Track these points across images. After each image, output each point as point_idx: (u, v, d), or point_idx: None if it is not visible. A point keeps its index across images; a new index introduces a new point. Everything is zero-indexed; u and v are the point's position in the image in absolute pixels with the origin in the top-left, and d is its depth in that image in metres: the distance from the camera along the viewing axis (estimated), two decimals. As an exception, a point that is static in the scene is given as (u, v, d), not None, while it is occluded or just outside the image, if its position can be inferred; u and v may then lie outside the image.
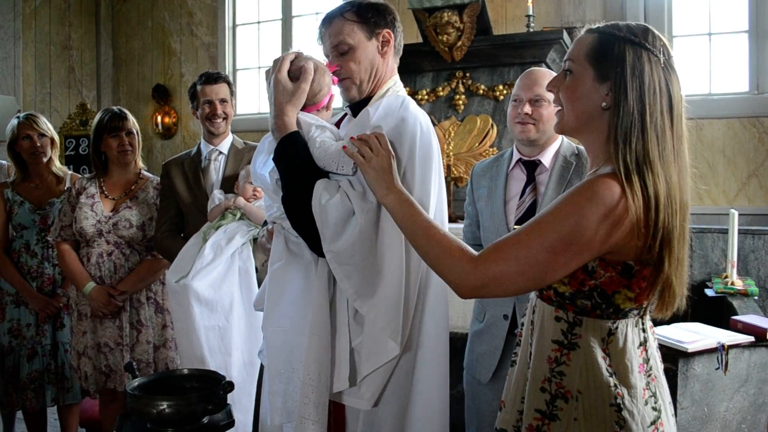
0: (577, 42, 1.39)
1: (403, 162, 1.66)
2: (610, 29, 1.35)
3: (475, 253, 1.35)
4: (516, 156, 2.22)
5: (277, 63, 1.71)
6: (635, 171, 1.25)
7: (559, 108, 1.40)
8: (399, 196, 1.49)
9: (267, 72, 1.75)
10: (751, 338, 2.42)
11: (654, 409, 1.34)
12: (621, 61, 1.29)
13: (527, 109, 2.11)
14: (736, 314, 2.72)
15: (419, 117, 1.73)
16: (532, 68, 2.22)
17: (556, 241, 1.25)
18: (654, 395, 1.35)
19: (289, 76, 1.70)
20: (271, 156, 1.71)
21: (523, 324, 1.49)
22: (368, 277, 1.61)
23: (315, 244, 1.64)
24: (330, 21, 1.80)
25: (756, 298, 3.11)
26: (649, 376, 1.36)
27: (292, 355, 1.69)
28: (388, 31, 1.83)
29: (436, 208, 1.76)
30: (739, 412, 2.40)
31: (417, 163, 1.68)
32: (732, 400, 2.34)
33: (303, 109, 1.74)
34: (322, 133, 1.68)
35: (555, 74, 2.18)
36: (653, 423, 1.32)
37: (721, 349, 2.32)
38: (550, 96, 2.08)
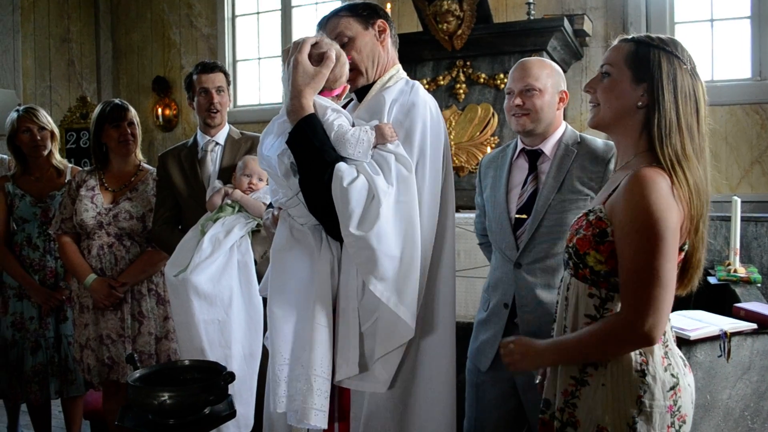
0: (615, 49, 1.58)
1: (415, 149, 1.69)
2: (645, 39, 1.54)
3: (616, 308, 1.49)
4: (520, 146, 2.23)
5: (299, 45, 1.70)
6: (677, 164, 1.46)
7: (593, 104, 1.60)
8: (557, 349, 1.56)
9: (285, 51, 1.74)
10: (754, 325, 2.41)
11: (672, 375, 1.50)
12: (657, 66, 1.49)
13: (518, 101, 2.12)
14: (739, 301, 2.71)
15: (428, 102, 1.78)
16: (523, 59, 2.23)
17: (662, 248, 1.41)
18: (671, 363, 1.51)
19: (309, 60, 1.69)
20: (281, 138, 1.71)
21: (557, 302, 1.63)
22: (386, 261, 1.61)
23: (332, 228, 1.65)
24: (326, 21, 1.88)
25: (759, 285, 3.10)
26: (666, 346, 1.52)
27: (296, 343, 1.70)
28: (382, 21, 1.88)
29: (447, 193, 1.80)
30: (741, 400, 2.39)
31: (429, 150, 1.72)
32: (735, 387, 2.33)
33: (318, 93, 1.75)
34: (338, 117, 1.69)
35: (547, 62, 2.19)
36: (672, 388, 1.48)
37: (724, 337, 2.32)
38: (542, 85, 2.11)
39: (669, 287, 1.43)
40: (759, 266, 3.49)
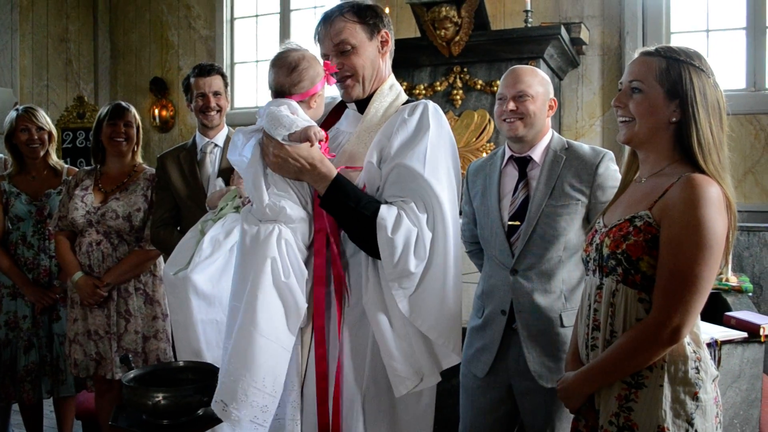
0: (641, 63, 1.60)
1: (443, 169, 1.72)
2: (670, 53, 1.58)
3: (644, 312, 1.53)
4: (508, 153, 2.24)
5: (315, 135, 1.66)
6: (719, 176, 1.51)
7: (625, 120, 1.62)
8: (593, 376, 1.60)
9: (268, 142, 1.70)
10: (745, 334, 2.43)
11: (714, 368, 1.58)
12: (690, 83, 1.54)
13: (512, 105, 2.14)
14: (730, 310, 2.73)
15: (443, 123, 1.78)
16: (515, 66, 2.24)
17: (708, 256, 1.46)
18: (709, 357, 1.59)
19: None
20: (252, 139, 1.73)
21: (595, 310, 1.63)
22: (428, 297, 1.67)
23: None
24: (330, 21, 1.80)
25: (750, 294, 3.13)
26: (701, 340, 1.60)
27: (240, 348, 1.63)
28: (386, 32, 1.84)
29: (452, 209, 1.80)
30: (731, 408, 2.41)
31: (453, 174, 1.76)
32: (725, 395, 2.35)
33: (286, 96, 1.75)
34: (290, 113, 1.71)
35: (537, 70, 2.22)
36: (714, 380, 1.56)
37: (714, 345, 2.34)
38: (534, 92, 2.13)
39: (703, 293, 1.48)
40: (750, 276, 3.52)
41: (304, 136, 1.65)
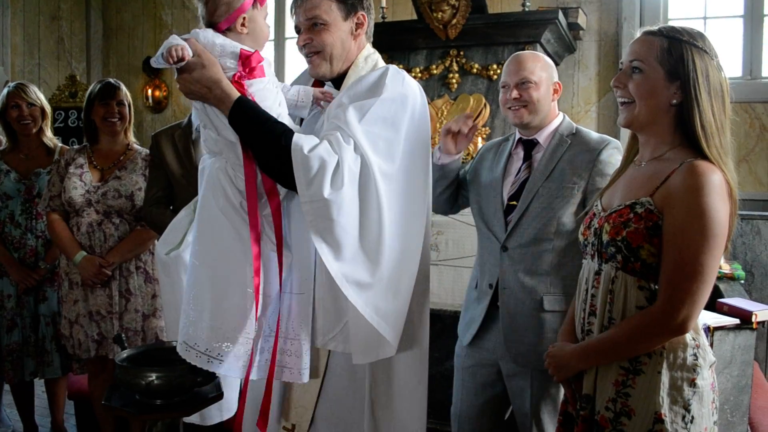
0: (642, 42, 1.56)
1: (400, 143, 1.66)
2: (673, 33, 1.53)
3: (643, 300, 1.52)
4: (517, 136, 2.28)
5: (175, 54, 1.58)
6: (721, 161, 1.49)
7: (625, 101, 1.58)
8: (591, 352, 1.59)
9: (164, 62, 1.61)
10: (737, 321, 2.45)
11: (711, 354, 1.58)
12: (692, 64, 1.49)
13: (515, 93, 2.15)
14: (723, 297, 2.75)
15: (404, 90, 1.71)
16: (517, 53, 2.25)
17: (712, 243, 1.44)
18: (708, 342, 1.60)
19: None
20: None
21: (592, 295, 1.62)
22: (347, 240, 1.57)
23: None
24: None
25: (742, 282, 3.15)
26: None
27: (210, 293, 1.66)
28: (363, 14, 1.80)
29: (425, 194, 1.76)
30: (722, 394, 2.43)
31: (404, 146, 1.68)
32: (716, 381, 2.37)
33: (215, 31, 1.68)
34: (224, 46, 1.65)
35: (539, 55, 2.20)
36: (711, 366, 1.56)
37: (707, 331, 2.35)
38: (537, 78, 2.13)
39: (710, 282, 1.47)
40: (743, 263, 3.54)
41: (167, 55, 1.58)
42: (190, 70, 1.61)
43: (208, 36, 1.66)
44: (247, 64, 1.65)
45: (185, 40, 1.62)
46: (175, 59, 1.58)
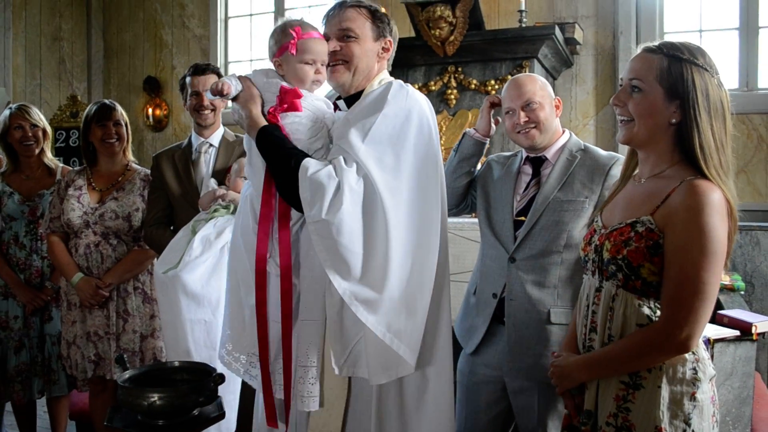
0: (642, 60, 1.56)
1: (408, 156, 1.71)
2: (673, 51, 1.52)
3: (644, 318, 1.52)
4: (524, 154, 2.29)
5: (216, 87, 1.80)
6: (720, 180, 1.49)
7: (624, 119, 1.58)
8: (592, 364, 1.60)
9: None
10: (737, 332, 2.45)
11: (711, 367, 1.58)
12: (692, 83, 1.49)
13: (523, 116, 2.16)
14: (723, 309, 2.75)
15: (407, 103, 1.75)
16: (513, 78, 2.27)
17: (712, 262, 1.44)
18: (708, 355, 1.60)
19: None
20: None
21: (593, 312, 1.63)
22: (351, 260, 1.63)
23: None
24: (345, 6, 1.85)
25: (742, 293, 3.15)
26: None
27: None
28: (390, 40, 1.90)
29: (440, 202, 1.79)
30: (723, 406, 2.43)
31: (411, 155, 1.73)
32: (717, 393, 2.37)
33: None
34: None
35: (535, 76, 2.23)
36: (711, 379, 1.56)
37: (707, 343, 2.35)
38: (539, 98, 2.15)
39: (711, 300, 1.47)
40: (743, 274, 3.54)
41: (212, 88, 1.81)
42: (237, 101, 1.83)
43: (258, 73, 1.87)
44: (284, 99, 1.78)
45: (244, 77, 1.85)
46: (216, 92, 1.80)
